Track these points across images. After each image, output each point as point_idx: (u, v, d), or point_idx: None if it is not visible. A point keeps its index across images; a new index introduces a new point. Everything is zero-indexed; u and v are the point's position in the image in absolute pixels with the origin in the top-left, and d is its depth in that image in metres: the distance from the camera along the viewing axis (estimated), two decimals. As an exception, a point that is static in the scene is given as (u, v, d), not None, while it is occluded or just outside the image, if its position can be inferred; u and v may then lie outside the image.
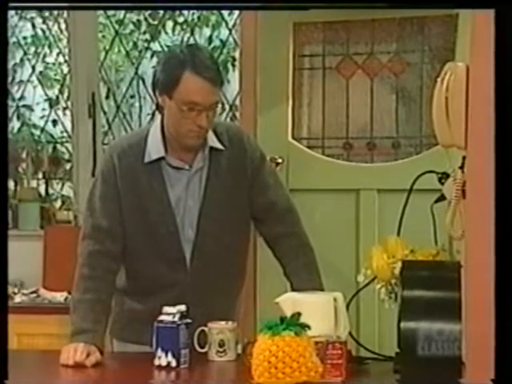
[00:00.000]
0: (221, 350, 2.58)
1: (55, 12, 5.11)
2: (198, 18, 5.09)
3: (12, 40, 5.15)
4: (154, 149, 2.76)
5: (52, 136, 5.25)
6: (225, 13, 5.01)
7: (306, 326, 2.13)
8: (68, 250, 3.07)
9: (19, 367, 2.44)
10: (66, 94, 5.15)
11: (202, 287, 2.78)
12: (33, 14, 5.23)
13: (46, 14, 5.19)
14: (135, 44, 5.16)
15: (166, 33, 5.10)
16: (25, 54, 5.23)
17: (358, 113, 4.19)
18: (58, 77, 5.26)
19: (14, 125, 5.22)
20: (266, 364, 2.09)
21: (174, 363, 2.48)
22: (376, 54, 4.16)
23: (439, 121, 2.24)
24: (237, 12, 4.70)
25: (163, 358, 2.48)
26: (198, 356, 2.57)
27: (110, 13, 5.16)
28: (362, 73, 4.17)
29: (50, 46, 5.23)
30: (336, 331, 2.36)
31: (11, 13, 5.08)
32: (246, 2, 2.67)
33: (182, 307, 2.52)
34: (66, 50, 5.08)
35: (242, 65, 4.28)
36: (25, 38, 5.24)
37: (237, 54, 4.80)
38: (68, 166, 5.11)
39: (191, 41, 5.02)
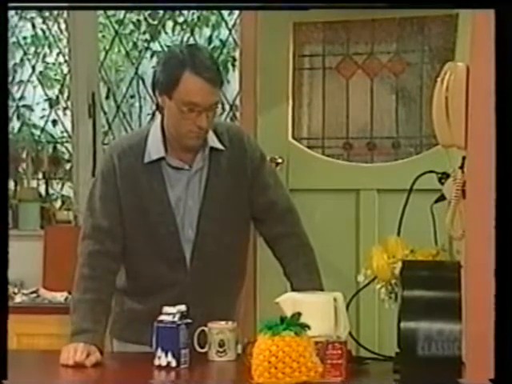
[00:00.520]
0: (221, 350, 2.58)
1: (55, 12, 5.11)
2: (198, 18, 5.09)
3: (12, 40, 5.15)
4: (154, 149, 2.76)
5: (52, 136, 5.25)
6: (225, 13, 5.01)
7: (305, 326, 2.13)
8: (68, 250, 3.07)
9: (19, 367, 2.44)
10: (66, 94, 5.15)
11: (201, 287, 2.78)
12: (33, 14, 5.23)
13: (46, 14, 5.19)
14: (135, 44, 5.16)
15: (166, 33, 5.10)
16: (25, 53, 5.23)
17: (358, 113, 4.19)
18: (58, 77, 5.26)
19: (14, 125, 5.22)
20: (265, 364, 2.09)
21: (173, 363, 2.48)
22: (376, 54, 4.16)
23: (439, 121, 2.24)
24: (237, 12, 4.70)
25: (163, 358, 2.48)
26: (198, 356, 2.57)
27: (110, 13, 5.16)
28: (362, 73, 4.17)
29: (49, 46, 5.23)
30: (336, 331, 2.36)
31: (11, 13, 5.06)
32: (246, 2, 2.67)
33: (182, 307, 2.52)
34: (66, 50, 5.08)
35: (242, 65, 4.28)
36: (25, 38, 5.24)
37: (237, 54, 4.80)
38: (68, 166, 5.11)
39: (191, 41, 5.02)
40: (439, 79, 2.25)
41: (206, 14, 5.10)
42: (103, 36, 5.21)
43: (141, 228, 2.78)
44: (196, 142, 2.73)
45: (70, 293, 4.05)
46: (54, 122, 5.22)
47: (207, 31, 5.13)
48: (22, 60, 5.24)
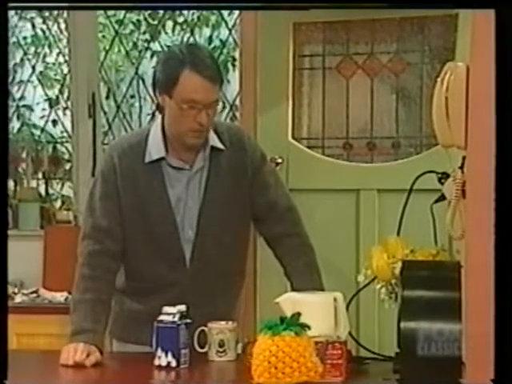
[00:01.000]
0: (221, 350, 2.58)
1: (55, 12, 5.11)
2: (198, 18, 5.09)
3: (12, 40, 5.15)
4: (155, 149, 2.76)
5: (52, 136, 5.25)
6: (225, 13, 5.01)
7: (306, 326, 2.13)
8: (68, 250, 3.07)
9: (19, 367, 2.44)
10: (66, 94, 5.15)
11: (201, 287, 2.77)
12: (33, 14, 5.23)
13: (46, 14, 5.19)
14: (135, 44, 5.16)
15: (166, 33, 5.10)
16: (25, 54, 5.23)
17: (358, 113, 4.19)
18: (58, 77, 5.26)
19: (14, 125, 5.22)
20: (265, 364, 2.08)
21: (173, 363, 2.48)
22: (376, 54, 4.16)
23: (439, 121, 2.24)
24: (237, 12, 4.70)
25: (163, 358, 2.48)
26: (198, 356, 2.57)
27: (110, 13, 5.16)
28: (362, 73, 4.17)
29: (50, 46, 5.23)
30: (336, 331, 2.36)
31: (11, 13, 5.08)
32: (246, 2, 2.67)
33: (182, 307, 2.52)
34: (66, 50, 5.08)
35: (242, 65, 4.28)
36: (25, 38, 5.24)
37: (237, 54, 4.80)
38: (68, 166, 5.11)
39: (191, 41, 5.02)
40: (439, 79, 2.25)
41: (206, 14, 5.10)
42: (103, 36, 5.21)
43: (141, 228, 2.78)
44: (197, 140, 2.73)
45: (69, 293, 4.05)
46: (54, 122, 5.22)
47: (207, 31, 5.13)
48: (22, 60, 5.24)
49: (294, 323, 2.12)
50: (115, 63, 5.32)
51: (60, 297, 4.33)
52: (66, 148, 5.15)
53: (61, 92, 5.19)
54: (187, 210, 2.77)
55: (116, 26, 5.17)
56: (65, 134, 5.18)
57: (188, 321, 2.52)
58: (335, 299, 2.42)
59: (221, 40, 5.06)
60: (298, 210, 2.92)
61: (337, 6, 2.19)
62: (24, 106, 5.28)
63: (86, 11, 4.77)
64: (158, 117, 2.84)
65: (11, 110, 5.19)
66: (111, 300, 2.77)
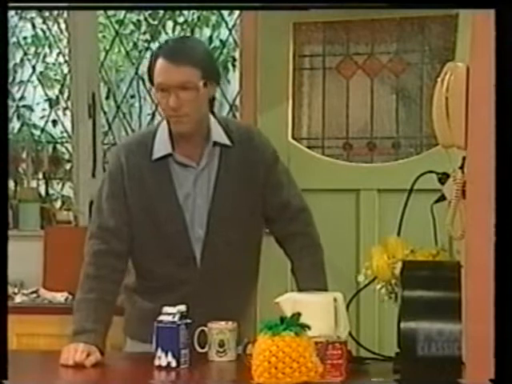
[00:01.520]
0: (221, 350, 2.58)
1: (55, 12, 5.11)
2: (198, 18, 5.10)
3: (12, 40, 5.15)
4: (161, 146, 2.77)
5: (52, 136, 5.25)
6: (225, 13, 5.01)
7: (306, 326, 2.13)
8: (68, 250, 3.08)
9: (19, 367, 2.44)
10: (66, 94, 5.15)
11: (212, 286, 2.76)
12: (33, 14, 5.24)
13: (46, 14, 5.20)
14: (135, 44, 5.16)
15: (166, 33, 5.10)
16: (25, 54, 5.23)
17: (358, 113, 4.19)
18: (58, 77, 5.26)
19: (14, 125, 5.22)
20: (266, 364, 2.08)
21: (174, 363, 2.48)
22: (376, 54, 4.16)
23: (439, 121, 2.24)
24: (237, 12, 4.70)
25: (163, 359, 2.48)
26: (198, 356, 2.57)
27: (110, 13, 5.16)
28: (362, 73, 4.17)
29: (50, 46, 5.23)
30: (336, 331, 2.36)
31: (11, 13, 5.08)
32: (246, 2, 2.67)
33: (182, 307, 2.51)
34: (66, 50, 5.08)
35: (242, 65, 4.28)
36: (25, 38, 5.24)
37: (237, 54, 4.81)
38: (68, 166, 5.11)
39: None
40: (439, 79, 2.25)
41: (207, 14, 5.11)
42: (103, 36, 5.21)
43: (150, 227, 2.77)
44: (179, 126, 2.72)
45: (70, 293, 4.06)
46: (54, 122, 5.22)
47: (207, 31, 5.14)
48: (22, 60, 5.25)
49: (294, 323, 2.12)
50: (115, 63, 5.32)
51: (60, 297, 4.33)
52: (66, 148, 5.15)
53: (61, 92, 5.19)
54: (196, 208, 2.77)
55: (116, 26, 5.17)
56: (65, 134, 5.19)
57: (188, 321, 2.52)
58: (335, 299, 2.41)
59: (221, 40, 5.07)
60: (310, 210, 2.92)
61: (337, 6, 2.19)
62: (24, 106, 5.28)
63: (86, 11, 4.77)
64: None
65: (11, 110, 5.19)
66: (116, 300, 2.76)
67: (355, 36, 4.17)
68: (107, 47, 5.14)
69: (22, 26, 5.24)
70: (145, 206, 2.76)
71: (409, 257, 2.43)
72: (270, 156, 2.86)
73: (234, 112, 4.85)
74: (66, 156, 5.14)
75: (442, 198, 2.42)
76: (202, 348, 2.60)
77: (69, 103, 5.09)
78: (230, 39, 4.95)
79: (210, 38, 5.12)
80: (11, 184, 5.03)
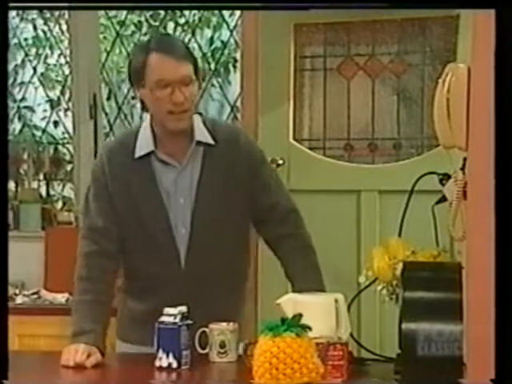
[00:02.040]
0: (222, 351, 2.58)
1: (56, 13, 5.11)
2: (199, 19, 5.10)
3: (13, 41, 5.15)
4: (144, 144, 2.77)
5: (53, 137, 5.25)
6: (226, 14, 5.01)
7: (307, 327, 2.13)
8: (69, 251, 3.07)
9: (20, 368, 2.44)
10: (67, 96, 5.16)
11: (197, 287, 2.75)
12: (34, 15, 5.24)
13: (48, 15, 5.20)
14: (136, 45, 5.16)
15: (168, 34, 5.10)
16: (26, 55, 5.23)
17: (360, 114, 4.19)
18: (59, 78, 5.26)
19: (16, 126, 5.22)
20: (267, 365, 2.08)
21: (174, 364, 2.47)
22: (377, 55, 4.16)
23: (440, 122, 2.24)
24: (238, 13, 4.70)
25: (164, 359, 2.48)
26: (199, 357, 2.57)
27: (111, 14, 5.16)
28: (363, 74, 4.17)
29: (51, 48, 5.23)
30: (337, 332, 2.36)
31: (12, 14, 5.08)
32: (247, 2, 2.67)
33: (183, 308, 2.51)
34: (68, 52, 5.08)
35: (244, 66, 4.28)
36: (26, 39, 5.24)
37: (238, 55, 4.81)
38: (69, 167, 5.12)
39: (192, 42, 5.02)
40: (440, 80, 2.25)
41: (208, 15, 5.10)
42: (104, 37, 5.21)
43: (135, 226, 2.77)
44: (178, 124, 2.72)
45: (71, 294, 4.05)
46: (56, 123, 5.23)
47: (208, 32, 5.14)
48: (23, 61, 5.25)
49: (295, 324, 2.12)
50: (116, 64, 5.32)
51: (61, 298, 4.33)
52: (68, 149, 5.15)
53: (62, 93, 5.20)
54: (179, 207, 2.76)
55: (117, 27, 5.17)
56: (66, 135, 5.19)
57: (189, 322, 2.52)
58: (336, 300, 2.42)
59: (222, 41, 5.07)
60: (299, 211, 2.91)
61: (337, 6, 2.19)
62: (25, 107, 5.28)
63: (87, 12, 4.77)
64: (147, 117, 2.84)
65: (12, 112, 5.19)
66: (111, 300, 2.77)
67: (356, 37, 4.17)
68: (108, 48, 5.14)
69: (24, 27, 5.25)
70: (129, 205, 2.76)
71: (410, 258, 2.42)
72: (257, 157, 2.86)
73: (235, 113, 4.85)
74: (67, 157, 5.14)
75: (443, 198, 2.42)
76: (203, 349, 2.60)
77: (70, 104, 5.09)
78: (231, 40, 4.95)
79: (211, 38, 5.13)
80: (12, 185, 5.03)
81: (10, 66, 5.16)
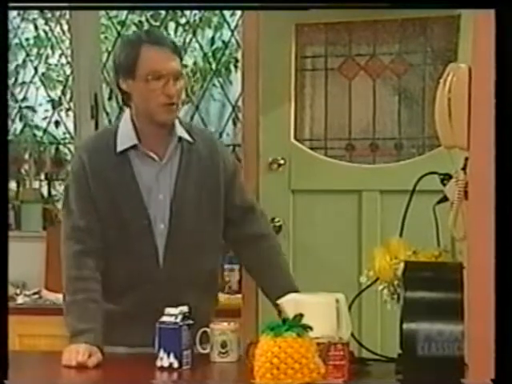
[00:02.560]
0: (223, 351, 2.58)
1: (57, 13, 5.12)
2: (200, 19, 5.09)
3: (14, 41, 5.15)
4: (125, 139, 2.78)
5: (54, 137, 5.25)
6: (227, 14, 5.01)
7: (308, 327, 2.13)
8: (70, 251, 3.06)
9: (21, 368, 2.45)
10: (68, 95, 5.16)
11: (176, 284, 2.76)
12: (35, 15, 5.24)
13: (49, 15, 5.20)
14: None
15: (168, 34, 5.10)
16: (27, 55, 5.23)
17: (361, 114, 4.19)
18: (60, 78, 5.26)
19: (17, 126, 5.22)
20: (268, 365, 2.08)
21: (176, 364, 2.48)
22: (378, 55, 4.15)
23: (442, 122, 2.24)
24: (239, 13, 4.70)
25: (165, 359, 2.48)
26: (200, 357, 2.57)
27: (112, 14, 5.16)
28: (364, 74, 4.17)
29: (52, 48, 5.23)
30: (338, 332, 2.36)
31: (13, 14, 5.08)
32: (247, 2, 2.68)
33: (184, 308, 2.52)
34: (69, 52, 5.08)
35: (245, 66, 4.27)
36: (27, 39, 5.24)
37: (239, 55, 4.81)
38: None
39: (193, 42, 5.02)
40: (441, 80, 2.25)
41: (208, 15, 5.10)
42: (105, 37, 5.21)
43: (115, 224, 2.77)
44: (168, 116, 2.75)
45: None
46: (57, 123, 5.23)
47: (209, 32, 5.13)
48: (24, 61, 5.25)
49: (296, 324, 2.12)
50: (117, 64, 5.31)
51: (62, 298, 4.33)
52: (69, 149, 5.15)
53: (63, 93, 5.20)
54: (158, 203, 2.77)
55: (118, 28, 5.17)
56: (67, 135, 5.19)
57: (190, 322, 2.52)
58: (337, 300, 2.42)
59: (223, 41, 5.07)
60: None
61: (337, 5, 2.19)
62: (26, 107, 5.28)
63: (89, 12, 4.77)
64: (126, 111, 2.85)
65: (14, 112, 5.20)
66: (101, 298, 2.75)
67: (357, 37, 4.16)
68: (109, 48, 5.14)
69: (25, 27, 5.25)
70: (110, 202, 2.77)
71: (411, 258, 2.42)
72: (232, 161, 2.95)
73: (237, 113, 4.85)
74: (69, 157, 5.14)
75: (445, 198, 2.42)
76: (204, 349, 2.60)
77: (71, 104, 5.09)
78: (232, 40, 4.95)
79: (212, 38, 5.12)
80: (13, 185, 5.03)
81: (12, 66, 5.16)
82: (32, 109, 5.30)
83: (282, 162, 4.10)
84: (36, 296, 4.51)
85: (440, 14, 3.94)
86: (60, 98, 5.21)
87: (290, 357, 2.07)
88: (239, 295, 4.22)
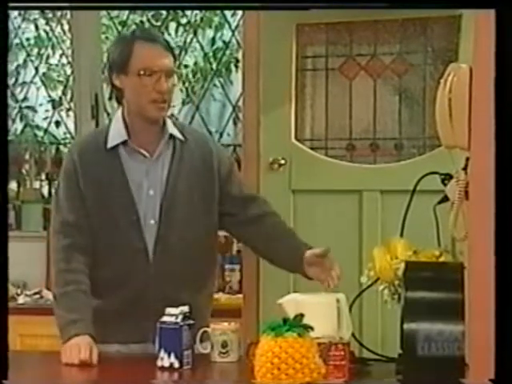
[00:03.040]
0: (223, 351, 2.58)
1: (58, 13, 5.12)
2: (201, 19, 5.10)
3: (15, 41, 5.16)
4: (116, 135, 2.81)
5: (55, 137, 5.26)
6: (228, 14, 5.02)
7: (308, 327, 2.13)
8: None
9: (21, 368, 2.45)
10: (69, 95, 5.16)
11: (166, 280, 2.76)
12: (36, 15, 5.24)
13: (49, 15, 5.20)
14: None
15: (169, 34, 5.10)
16: (28, 55, 5.24)
17: (361, 114, 4.19)
18: (61, 78, 5.27)
19: (18, 126, 5.23)
20: (268, 365, 2.08)
21: (176, 364, 2.47)
22: (379, 55, 4.15)
23: (442, 122, 2.24)
24: (240, 13, 4.70)
25: (166, 359, 2.48)
26: (201, 357, 2.57)
27: (113, 14, 5.17)
28: (364, 74, 4.17)
29: (53, 48, 5.24)
30: (339, 332, 2.36)
31: (14, 14, 5.08)
32: (247, 2, 2.68)
33: (185, 308, 2.51)
34: (69, 52, 5.09)
35: (245, 66, 4.28)
36: (28, 39, 5.25)
37: (240, 55, 4.81)
38: (71, 167, 5.11)
39: (194, 42, 5.03)
40: (442, 80, 2.25)
41: (209, 15, 5.10)
42: (106, 37, 5.22)
43: (104, 220, 2.78)
44: (158, 112, 2.76)
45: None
46: (57, 123, 5.23)
47: (210, 32, 5.14)
48: (25, 61, 5.25)
49: (297, 324, 2.12)
50: (118, 64, 5.31)
51: (63, 298, 4.33)
52: (68, 148, 5.15)
53: (64, 93, 5.20)
54: (149, 199, 2.78)
55: (119, 28, 5.17)
56: (68, 135, 5.19)
57: (191, 322, 2.52)
58: (338, 300, 2.42)
59: (224, 41, 5.07)
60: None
61: (338, 6, 2.19)
62: (27, 107, 5.29)
63: (89, 12, 4.77)
64: (119, 109, 2.88)
65: (14, 112, 5.20)
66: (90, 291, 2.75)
67: (358, 37, 4.16)
68: (110, 48, 5.14)
69: (25, 27, 5.25)
70: (100, 198, 2.78)
71: (412, 258, 2.42)
72: (227, 158, 2.96)
73: (237, 113, 4.85)
74: (69, 157, 5.13)
75: (445, 199, 2.42)
76: (205, 349, 2.60)
77: (72, 104, 5.10)
78: (233, 40, 4.95)
79: (213, 39, 5.13)
80: (14, 185, 5.03)
81: (12, 66, 5.16)
82: (33, 109, 5.31)
83: (282, 162, 4.10)
84: (37, 296, 4.51)
85: (441, 14, 3.93)
86: (60, 98, 5.22)
87: (290, 357, 2.07)
88: (240, 295, 4.23)
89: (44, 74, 5.26)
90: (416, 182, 2.54)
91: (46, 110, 5.27)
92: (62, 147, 5.20)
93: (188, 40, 5.06)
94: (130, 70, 2.74)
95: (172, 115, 2.98)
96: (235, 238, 3.31)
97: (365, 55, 4.17)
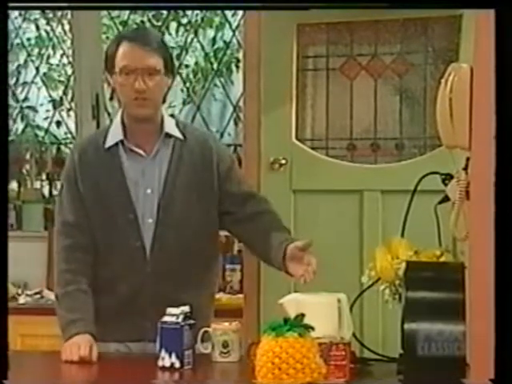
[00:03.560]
0: (224, 350, 2.58)
1: (59, 13, 5.12)
2: (202, 19, 5.10)
3: (16, 41, 5.16)
4: (114, 134, 2.83)
5: (56, 137, 5.26)
6: (228, 14, 5.01)
7: (309, 327, 2.13)
8: (72, 251, 3.07)
9: (21, 368, 2.45)
10: (69, 96, 5.16)
11: (163, 279, 2.77)
12: (37, 15, 5.24)
13: (50, 15, 5.20)
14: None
15: (170, 34, 5.11)
16: (29, 55, 5.24)
17: (362, 114, 4.19)
18: (61, 78, 5.27)
19: (18, 126, 5.23)
20: (269, 365, 2.09)
21: (177, 364, 2.48)
22: (380, 55, 4.15)
23: (443, 122, 2.24)
24: (240, 13, 4.70)
25: (167, 359, 2.48)
26: (202, 357, 2.57)
27: (114, 14, 5.17)
28: (365, 74, 4.16)
29: (53, 48, 5.24)
30: (340, 332, 2.36)
31: (15, 14, 5.08)
32: (247, 2, 2.68)
33: (186, 308, 2.52)
34: (70, 52, 5.09)
35: (246, 66, 4.27)
36: (29, 39, 5.25)
37: (240, 55, 4.81)
38: (72, 167, 5.11)
39: (195, 42, 5.03)
40: (443, 80, 2.25)
41: (210, 15, 5.10)
42: (107, 37, 5.21)
43: (103, 219, 2.79)
44: (139, 110, 2.78)
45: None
46: (58, 124, 5.23)
47: (211, 32, 5.14)
48: (25, 61, 5.26)
49: (298, 324, 2.12)
50: (119, 64, 5.31)
51: (64, 298, 4.33)
52: (70, 149, 5.15)
53: (65, 93, 5.20)
54: (146, 198, 2.79)
55: (120, 28, 5.17)
56: (69, 136, 5.19)
57: (192, 322, 2.52)
58: (339, 300, 2.42)
59: (224, 41, 5.07)
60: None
61: (339, 6, 2.19)
62: (28, 107, 5.29)
63: (90, 12, 4.77)
64: (120, 110, 2.91)
65: (15, 112, 5.20)
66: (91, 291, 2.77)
67: (359, 37, 4.16)
68: (111, 48, 5.14)
69: (26, 27, 5.25)
70: (99, 197, 2.80)
71: (412, 258, 2.42)
72: (228, 157, 2.94)
73: (238, 113, 4.85)
74: (70, 157, 5.14)
75: (446, 198, 2.42)
76: (206, 349, 2.60)
77: (72, 104, 5.10)
78: (234, 40, 4.95)
79: (214, 39, 5.13)
80: (15, 185, 5.04)
81: (13, 66, 5.16)
82: (33, 109, 5.31)
83: (283, 161, 4.10)
84: (38, 296, 4.51)
85: (441, 14, 3.93)
86: (61, 98, 5.22)
87: (291, 357, 2.07)
88: (241, 295, 4.22)
89: (45, 74, 5.26)
90: (417, 181, 2.54)
91: (47, 110, 5.27)
92: (62, 147, 5.20)
93: (189, 40, 5.06)
94: (115, 70, 2.78)
95: (172, 115, 2.97)
96: (235, 237, 3.31)
97: (365, 55, 4.17)
